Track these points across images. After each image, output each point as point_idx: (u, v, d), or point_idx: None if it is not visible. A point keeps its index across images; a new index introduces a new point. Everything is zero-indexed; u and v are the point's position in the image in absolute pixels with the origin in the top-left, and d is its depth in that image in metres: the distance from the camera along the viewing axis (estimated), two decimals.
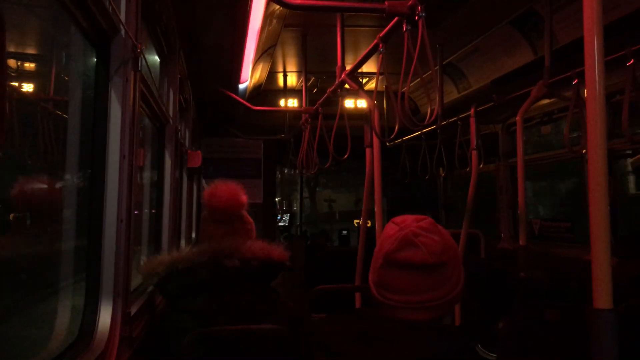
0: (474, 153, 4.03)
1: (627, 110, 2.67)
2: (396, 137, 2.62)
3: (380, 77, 2.56)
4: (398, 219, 1.40)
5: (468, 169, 4.22)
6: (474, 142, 4.05)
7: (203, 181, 6.12)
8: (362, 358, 1.26)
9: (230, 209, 2.43)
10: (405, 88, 2.68)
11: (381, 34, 2.45)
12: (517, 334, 2.62)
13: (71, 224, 1.93)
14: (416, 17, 2.05)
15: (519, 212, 3.44)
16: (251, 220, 2.52)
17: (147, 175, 3.28)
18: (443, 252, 1.31)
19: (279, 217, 8.68)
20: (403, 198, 7.21)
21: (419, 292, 1.30)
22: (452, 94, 5.47)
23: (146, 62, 2.01)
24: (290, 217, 9.17)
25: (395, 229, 1.36)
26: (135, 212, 1.89)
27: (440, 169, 5.13)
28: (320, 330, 1.40)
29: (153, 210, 3.20)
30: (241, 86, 4.65)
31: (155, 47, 2.95)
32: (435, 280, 1.31)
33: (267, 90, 6.13)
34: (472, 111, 4.16)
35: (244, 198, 2.48)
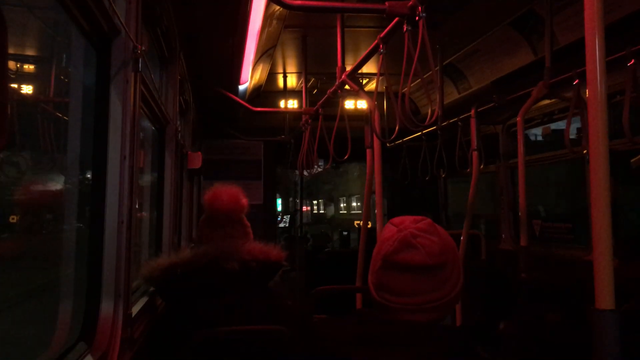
0: (475, 154, 4.03)
1: (628, 110, 2.67)
2: (396, 138, 2.62)
3: (380, 78, 2.56)
4: (396, 220, 1.39)
5: (468, 170, 4.22)
6: (474, 142, 4.05)
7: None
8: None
9: (232, 212, 2.43)
10: (405, 89, 2.68)
11: (381, 35, 2.45)
12: (518, 335, 2.62)
13: (72, 224, 1.93)
14: (417, 18, 2.05)
15: (519, 213, 3.44)
16: (248, 223, 2.52)
17: (147, 177, 3.27)
18: (442, 253, 1.30)
19: (279, 219, 8.68)
20: (403, 199, 7.20)
21: (418, 294, 1.29)
22: (453, 94, 5.47)
23: (146, 63, 2.01)
24: (290, 218, 9.16)
25: (394, 231, 1.35)
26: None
27: (441, 170, 5.13)
28: (321, 331, 1.40)
29: (143, 213, 3.19)
30: (241, 87, 4.66)
31: (155, 49, 2.95)
32: (434, 281, 1.30)
33: (267, 92, 6.13)
34: (472, 112, 4.15)
35: (245, 201, 2.49)
